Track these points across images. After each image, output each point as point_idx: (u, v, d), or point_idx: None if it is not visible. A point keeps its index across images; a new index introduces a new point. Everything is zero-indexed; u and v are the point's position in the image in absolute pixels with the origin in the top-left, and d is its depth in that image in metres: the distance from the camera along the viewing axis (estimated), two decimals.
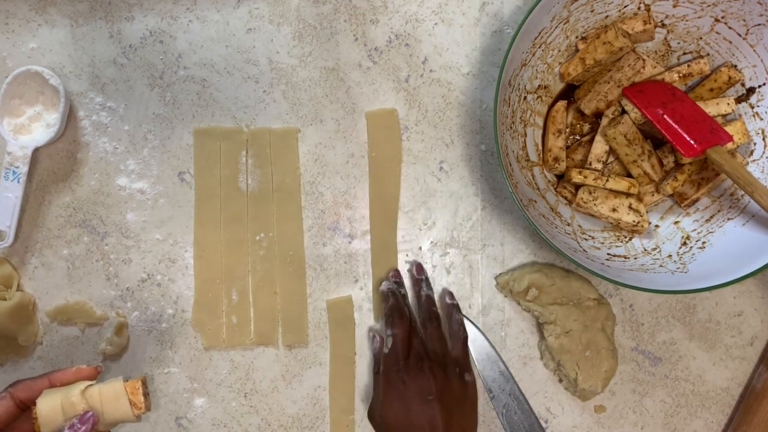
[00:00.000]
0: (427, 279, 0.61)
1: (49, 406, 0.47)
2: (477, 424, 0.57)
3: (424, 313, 0.59)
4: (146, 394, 0.50)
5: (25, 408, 0.49)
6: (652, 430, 0.62)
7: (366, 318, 0.61)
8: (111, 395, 0.48)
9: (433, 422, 0.53)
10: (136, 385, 0.49)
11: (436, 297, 0.61)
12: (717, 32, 0.58)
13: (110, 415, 0.48)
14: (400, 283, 0.61)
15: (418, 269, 0.61)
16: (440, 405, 0.54)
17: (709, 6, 0.56)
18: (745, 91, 0.59)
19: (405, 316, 0.57)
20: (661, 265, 0.57)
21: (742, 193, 0.57)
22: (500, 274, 0.62)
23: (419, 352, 0.56)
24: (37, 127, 0.59)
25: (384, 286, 0.60)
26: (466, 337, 0.58)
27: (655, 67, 0.59)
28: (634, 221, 0.58)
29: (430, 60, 0.62)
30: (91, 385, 0.49)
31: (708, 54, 0.59)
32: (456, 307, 0.60)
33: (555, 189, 0.61)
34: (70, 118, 0.61)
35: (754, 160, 0.59)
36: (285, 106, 0.62)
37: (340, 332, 0.61)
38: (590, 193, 0.58)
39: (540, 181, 0.60)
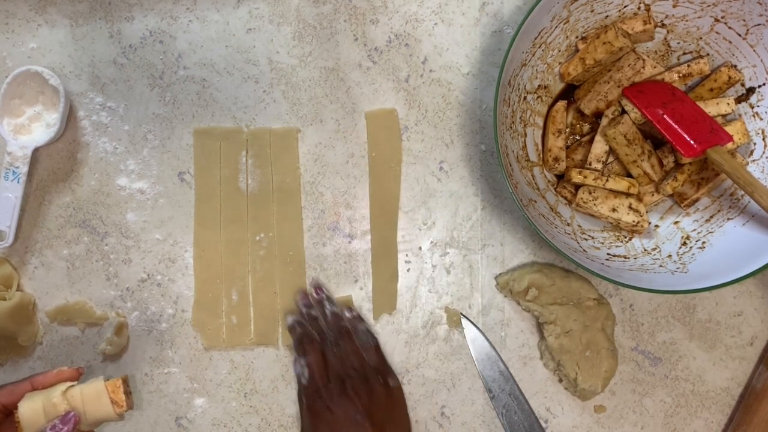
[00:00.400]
0: (329, 297, 0.60)
1: (30, 408, 0.47)
2: (410, 426, 0.57)
3: (334, 332, 0.57)
4: (128, 393, 0.50)
5: (9, 413, 0.49)
6: (652, 430, 0.62)
7: (366, 318, 0.61)
8: (92, 395, 0.49)
9: None
10: (117, 383, 0.49)
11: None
12: (717, 32, 0.58)
13: (92, 414, 0.48)
14: (310, 305, 0.59)
15: (316, 290, 0.60)
16: (371, 422, 0.53)
17: (709, 6, 0.56)
18: (744, 91, 0.59)
19: (314, 341, 0.56)
20: (660, 265, 0.57)
21: (742, 193, 0.57)
22: (500, 274, 0.62)
23: (339, 374, 0.55)
24: (37, 127, 0.59)
25: (289, 320, 0.58)
26: (377, 344, 0.57)
27: (655, 67, 0.59)
28: (634, 221, 0.58)
29: (430, 60, 0.62)
30: (72, 385, 0.49)
31: (708, 54, 0.59)
32: (358, 318, 0.59)
33: (555, 189, 0.61)
34: (70, 118, 0.61)
35: (754, 160, 0.59)
36: (285, 106, 0.62)
37: None
38: (590, 193, 0.58)
39: (540, 181, 0.60)
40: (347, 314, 0.59)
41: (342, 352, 0.56)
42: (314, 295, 0.59)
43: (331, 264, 0.62)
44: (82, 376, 0.52)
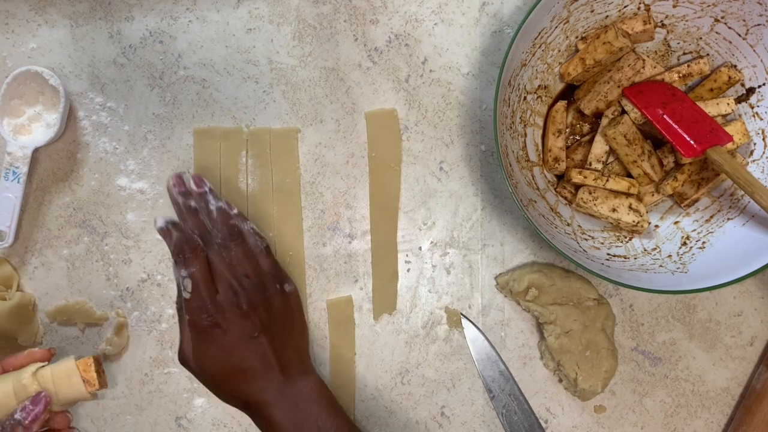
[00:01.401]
0: (211, 189, 0.52)
1: (0, 391, 0.47)
2: (308, 332, 0.54)
3: (222, 232, 0.50)
4: (100, 372, 0.50)
5: None
6: (652, 430, 0.62)
7: (366, 318, 0.61)
8: (63, 374, 0.48)
9: (265, 358, 0.48)
10: (88, 362, 0.49)
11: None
12: (717, 32, 0.58)
13: (64, 394, 0.48)
14: (187, 195, 0.51)
15: (196, 180, 0.52)
16: (268, 337, 0.48)
17: (708, 6, 0.56)
18: (744, 91, 0.59)
19: (197, 246, 0.49)
20: (661, 265, 0.57)
21: (742, 193, 0.57)
22: (500, 274, 0.62)
23: (230, 283, 0.48)
24: (37, 127, 0.59)
25: (159, 221, 0.51)
26: (267, 246, 0.51)
27: (654, 68, 0.59)
28: (634, 221, 0.58)
29: (430, 60, 0.62)
30: (42, 366, 0.49)
31: (708, 54, 0.59)
32: (242, 217, 0.52)
33: (555, 189, 0.61)
34: (70, 118, 0.61)
35: (754, 160, 0.59)
36: (285, 106, 0.62)
37: (340, 332, 0.61)
38: (590, 193, 0.58)
39: (540, 181, 0.60)
40: (231, 210, 0.52)
41: (232, 257, 0.50)
42: (194, 187, 0.52)
43: (331, 264, 0.62)
44: (54, 357, 0.51)
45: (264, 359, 0.49)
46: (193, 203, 0.51)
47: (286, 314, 0.51)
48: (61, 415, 0.51)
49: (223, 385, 0.50)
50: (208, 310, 0.48)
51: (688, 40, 0.59)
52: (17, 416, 0.46)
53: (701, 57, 0.59)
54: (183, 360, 0.51)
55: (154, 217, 0.51)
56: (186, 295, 0.49)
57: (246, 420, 0.61)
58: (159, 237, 0.61)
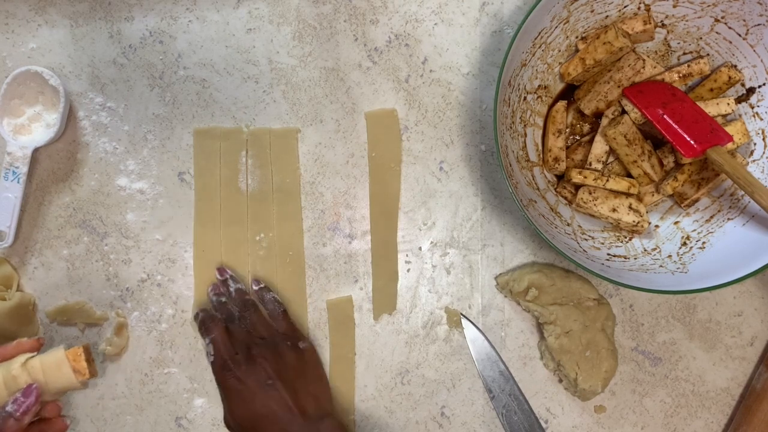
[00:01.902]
0: (231, 276, 0.60)
1: None
2: (327, 381, 0.59)
3: (239, 305, 0.59)
4: (90, 361, 0.50)
5: None
6: (652, 430, 0.62)
7: (366, 318, 0.61)
8: (53, 364, 0.48)
9: (281, 402, 0.54)
10: (78, 352, 0.49)
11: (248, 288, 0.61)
12: (717, 32, 0.58)
13: (54, 384, 0.48)
14: (221, 294, 0.60)
15: (219, 271, 0.60)
16: (282, 383, 0.54)
17: (709, 6, 0.56)
18: (745, 91, 0.59)
19: (216, 319, 0.58)
20: (661, 266, 0.57)
21: (742, 193, 0.57)
22: (500, 274, 0.62)
23: (246, 343, 0.56)
24: (37, 127, 0.59)
25: (194, 313, 0.60)
26: (284, 311, 0.59)
27: (655, 68, 0.59)
28: (634, 221, 0.58)
29: (430, 60, 0.62)
30: (32, 356, 0.49)
31: (708, 54, 0.59)
32: (266, 289, 0.60)
33: (555, 189, 0.61)
34: (69, 118, 0.61)
35: (754, 160, 0.59)
36: (285, 106, 0.62)
37: (340, 332, 0.61)
38: (590, 194, 0.58)
39: (540, 181, 0.60)
40: (254, 286, 0.60)
41: (247, 323, 0.58)
42: (218, 276, 0.60)
43: (331, 264, 0.62)
44: (43, 347, 0.51)
45: (281, 402, 0.54)
46: (223, 299, 0.60)
47: (299, 365, 0.57)
48: (52, 404, 0.51)
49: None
50: (228, 366, 0.55)
51: (689, 40, 0.59)
52: (9, 408, 0.46)
53: (701, 57, 0.59)
54: (227, 423, 0.56)
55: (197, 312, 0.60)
56: (210, 359, 0.57)
57: None
58: (159, 237, 0.61)
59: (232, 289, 0.60)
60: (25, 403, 0.46)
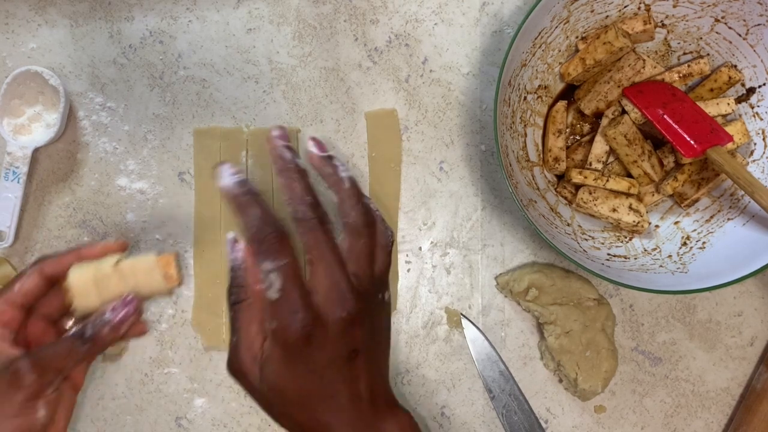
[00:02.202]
0: (334, 157, 0.43)
1: (80, 278, 0.46)
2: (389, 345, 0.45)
3: (355, 211, 0.40)
4: (178, 269, 0.48)
5: (54, 283, 0.48)
6: (652, 430, 0.62)
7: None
8: (144, 268, 0.47)
9: (354, 385, 0.41)
10: (170, 258, 0.48)
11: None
12: (717, 32, 0.58)
13: (143, 288, 0.47)
14: (293, 150, 0.42)
15: (318, 144, 0.44)
16: (365, 358, 0.40)
17: (709, 6, 0.56)
18: (745, 91, 0.59)
19: (284, 233, 0.40)
20: (661, 266, 0.57)
21: (743, 193, 0.57)
22: (500, 274, 0.62)
23: (336, 285, 0.39)
24: (37, 127, 0.59)
25: (227, 179, 0.41)
26: (392, 242, 0.43)
27: (655, 68, 0.59)
28: (634, 221, 0.58)
29: (430, 60, 0.62)
30: (122, 258, 0.48)
31: (708, 54, 0.59)
32: (334, 162, 0.42)
33: (555, 189, 0.61)
34: (69, 118, 0.61)
35: (754, 161, 0.59)
36: (285, 106, 0.62)
37: None
38: (590, 194, 0.58)
39: (540, 181, 0.60)
40: (315, 150, 0.43)
41: (349, 248, 0.41)
42: (315, 150, 0.43)
43: None
44: (127, 250, 0.50)
45: (353, 387, 0.40)
46: (302, 164, 0.41)
47: (385, 331, 0.43)
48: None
49: (296, 412, 0.41)
50: (302, 319, 0.38)
51: (689, 40, 0.59)
52: (107, 316, 0.45)
53: (701, 57, 0.59)
54: (238, 370, 0.41)
55: (220, 168, 0.41)
56: (273, 296, 0.39)
57: (246, 420, 0.61)
58: (159, 236, 0.61)
59: (343, 176, 0.42)
60: (122, 312, 0.45)
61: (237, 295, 0.41)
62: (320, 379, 0.40)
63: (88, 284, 0.46)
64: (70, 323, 0.50)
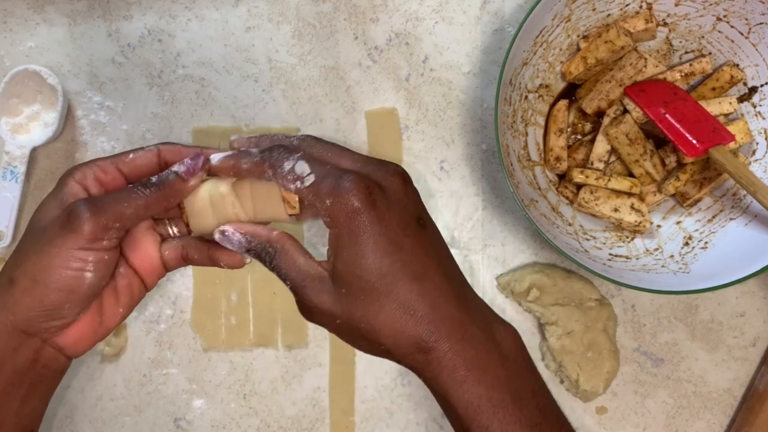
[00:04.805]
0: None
1: (197, 196, 0.44)
2: None
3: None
4: (300, 200, 0.44)
5: (165, 167, 0.43)
6: (654, 431, 0.62)
7: None
8: (263, 192, 0.44)
9: (440, 262, 0.38)
10: None
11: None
12: (719, 31, 0.57)
13: (261, 212, 0.44)
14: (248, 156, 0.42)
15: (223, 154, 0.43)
16: (433, 232, 0.39)
17: (711, 5, 0.56)
18: (747, 91, 0.59)
19: (287, 144, 0.41)
20: (663, 266, 0.56)
21: (745, 193, 0.57)
22: (501, 274, 0.62)
23: (373, 158, 0.40)
24: (35, 126, 0.59)
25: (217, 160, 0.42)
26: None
27: (656, 66, 0.59)
28: (636, 221, 0.58)
29: (431, 59, 0.62)
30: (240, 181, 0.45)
31: (710, 53, 0.59)
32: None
33: (556, 189, 0.61)
34: (68, 117, 0.61)
35: (756, 160, 0.59)
36: (284, 105, 0.62)
37: None
38: (592, 193, 0.58)
39: (541, 181, 0.59)
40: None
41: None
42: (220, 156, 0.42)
43: None
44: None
45: (439, 265, 0.37)
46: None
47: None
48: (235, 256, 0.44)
49: (386, 304, 0.36)
50: (353, 178, 0.36)
51: (690, 39, 0.59)
52: (175, 168, 0.41)
53: (703, 56, 0.59)
54: (311, 305, 0.38)
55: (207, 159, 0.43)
56: (310, 179, 0.38)
57: (245, 422, 0.61)
58: None
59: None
60: (191, 165, 0.41)
61: (268, 254, 0.41)
62: (400, 250, 0.36)
63: (205, 204, 0.44)
64: (172, 231, 0.46)
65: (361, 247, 0.36)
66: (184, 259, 0.46)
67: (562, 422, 0.40)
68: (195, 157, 0.41)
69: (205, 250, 0.45)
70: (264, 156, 0.40)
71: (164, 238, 0.46)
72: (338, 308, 0.37)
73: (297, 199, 0.43)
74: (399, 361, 0.38)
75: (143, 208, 0.40)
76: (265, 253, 0.41)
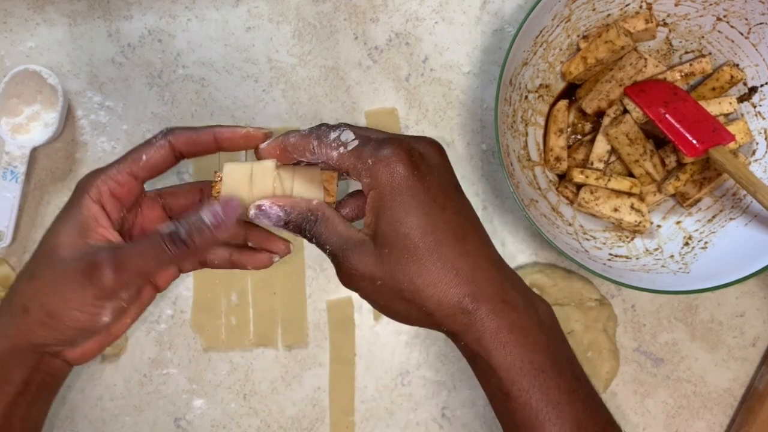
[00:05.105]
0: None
1: (237, 170, 0.42)
2: None
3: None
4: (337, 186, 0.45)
5: (181, 159, 0.43)
6: (654, 431, 0.62)
7: (366, 319, 0.61)
8: (305, 177, 0.43)
9: (479, 226, 0.39)
10: (333, 174, 0.44)
11: None
12: (719, 31, 0.57)
13: (300, 193, 0.43)
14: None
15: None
16: (467, 203, 0.40)
17: (710, 5, 0.56)
18: (747, 91, 0.59)
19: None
20: (663, 266, 0.56)
21: (745, 193, 0.57)
22: None
23: (403, 136, 0.40)
24: (36, 126, 0.59)
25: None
26: None
27: (656, 66, 0.59)
28: (636, 221, 0.58)
29: (431, 59, 0.62)
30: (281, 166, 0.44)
31: (710, 53, 0.59)
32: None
33: (556, 189, 0.61)
34: (68, 117, 0.61)
35: (756, 160, 0.59)
36: (284, 105, 0.62)
37: (340, 333, 0.61)
38: (592, 193, 0.58)
39: (541, 181, 0.59)
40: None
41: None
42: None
43: (331, 264, 0.61)
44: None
45: (480, 229, 0.38)
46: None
47: None
48: (283, 243, 0.45)
49: (429, 262, 0.36)
50: (397, 142, 0.37)
51: (690, 39, 0.59)
52: (204, 217, 0.38)
53: (703, 56, 0.59)
54: (351, 269, 0.38)
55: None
56: (353, 143, 0.39)
57: (245, 422, 0.61)
58: None
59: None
60: (222, 220, 0.38)
61: (308, 223, 0.41)
62: (443, 210, 0.37)
63: (244, 176, 0.42)
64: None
65: (405, 206, 0.37)
66: (201, 263, 0.45)
67: (594, 391, 0.40)
68: (227, 206, 0.38)
69: (227, 255, 0.45)
70: (311, 129, 0.41)
71: None
72: (380, 269, 0.37)
73: (336, 188, 0.43)
74: (438, 326, 0.38)
75: (168, 263, 0.39)
76: (305, 222, 0.40)
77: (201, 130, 0.43)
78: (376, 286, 0.38)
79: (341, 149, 0.39)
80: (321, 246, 0.41)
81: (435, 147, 0.40)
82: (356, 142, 0.39)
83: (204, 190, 0.45)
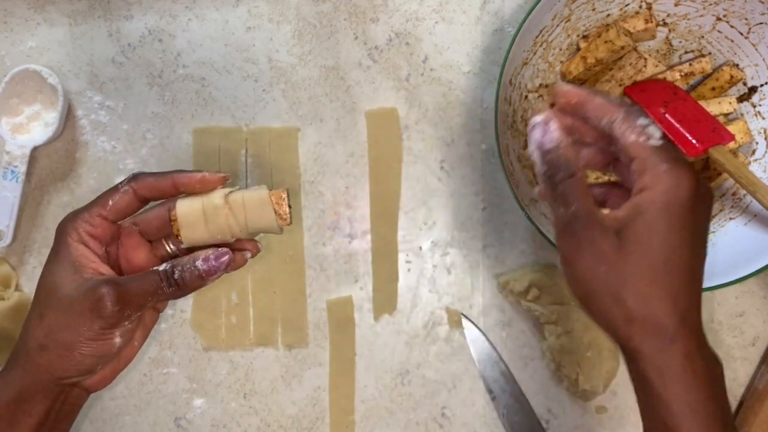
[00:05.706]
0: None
1: (189, 209, 0.45)
2: None
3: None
4: (289, 206, 0.47)
5: (145, 203, 0.48)
6: None
7: (366, 318, 0.61)
8: (255, 202, 0.45)
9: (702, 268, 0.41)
10: (282, 195, 0.46)
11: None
12: (719, 31, 0.57)
13: (253, 223, 0.46)
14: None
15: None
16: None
17: (710, 5, 0.56)
18: (746, 90, 0.59)
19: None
20: None
21: (744, 192, 0.57)
22: (501, 274, 0.62)
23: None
24: (36, 126, 0.59)
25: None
26: None
27: (656, 66, 0.59)
28: None
29: (431, 59, 0.62)
30: (234, 190, 0.46)
31: (710, 53, 0.59)
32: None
33: None
34: (68, 117, 0.61)
35: (756, 160, 0.59)
36: (284, 105, 0.62)
37: (340, 333, 0.61)
38: None
39: None
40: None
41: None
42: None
43: (331, 264, 0.61)
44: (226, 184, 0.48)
45: (702, 275, 0.41)
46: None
47: None
48: (251, 242, 0.50)
49: (659, 281, 0.38)
50: (691, 171, 0.39)
51: (690, 39, 0.59)
52: (199, 265, 0.45)
53: (703, 56, 0.59)
54: (578, 240, 0.39)
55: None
56: (657, 142, 0.40)
57: (245, 421, 0.61)
58: None
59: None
60: (214, 265, 0.45)
61: (567, 171, 0.41)
62: (693, 244, 0.39)
63: (197, 216, 0.45)
64: (169, 248, 0.51)
65: (671, 221, 0.38)
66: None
67: None
68: (219, 258, 0.45)
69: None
70: (622, 102, 0.41)
71: (162, 255, 0.51)
72: (616, 257, 0.38)
73: (288, 211, 0.46)
74: (629, 338, 0.39)
75: (163, 298, 0.46)
76: (566, 168, 0.41)
77: (162, 176, 0.47)
78: (597, 271, 0.38)
79: (642, 138, 0.40)
80: (561, 202, 0.40)
81: (711, 194, 0.42)
82: (662, 141, 0.40)
83: (171, 209, 0.48)
